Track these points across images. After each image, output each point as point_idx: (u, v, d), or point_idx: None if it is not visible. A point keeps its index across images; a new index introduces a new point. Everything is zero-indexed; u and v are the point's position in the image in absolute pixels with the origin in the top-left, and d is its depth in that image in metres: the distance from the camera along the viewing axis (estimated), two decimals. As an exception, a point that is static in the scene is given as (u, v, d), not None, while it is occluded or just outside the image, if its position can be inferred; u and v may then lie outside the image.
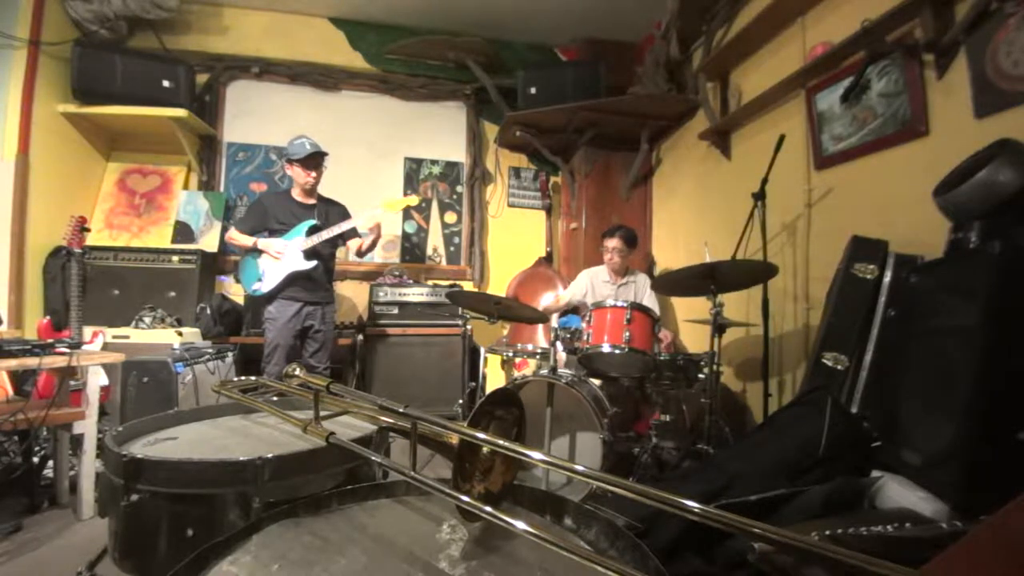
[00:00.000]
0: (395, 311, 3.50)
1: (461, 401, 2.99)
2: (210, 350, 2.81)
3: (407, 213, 4.13)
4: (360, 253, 2.99)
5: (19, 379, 2.24)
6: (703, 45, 3.39)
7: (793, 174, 2.59)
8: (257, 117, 3.95)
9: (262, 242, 2.74)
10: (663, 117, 3.68)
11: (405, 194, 4.16)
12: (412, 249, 4.16)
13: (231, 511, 1.03)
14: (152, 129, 3.54)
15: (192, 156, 3.75)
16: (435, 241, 4.21)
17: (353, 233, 2.94)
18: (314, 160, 2.80)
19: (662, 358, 2.41)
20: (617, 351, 2.30)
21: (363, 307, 3.81)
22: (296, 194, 2.89)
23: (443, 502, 1.03)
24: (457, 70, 4.22)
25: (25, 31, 3.07)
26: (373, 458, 1.04)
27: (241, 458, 1.03)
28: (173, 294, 3.23)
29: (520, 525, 0.73)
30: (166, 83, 3.41)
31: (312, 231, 2.79)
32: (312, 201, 2.91)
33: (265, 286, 2.73)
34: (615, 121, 3.68)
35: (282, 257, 2.72)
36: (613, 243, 2.99)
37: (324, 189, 2.97)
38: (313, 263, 2.76)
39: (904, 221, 2.02)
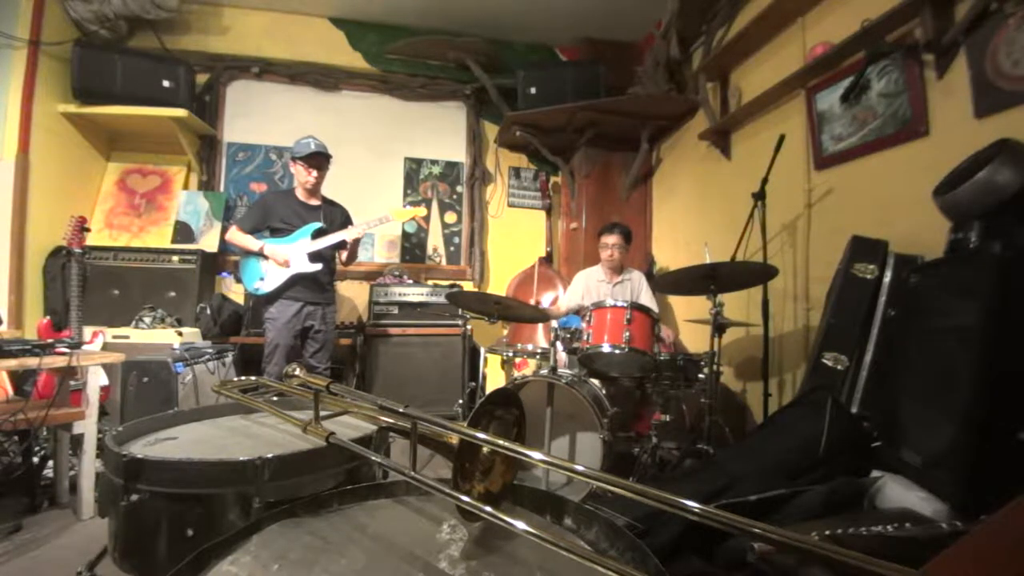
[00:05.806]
0: (395, 311, 3.50)
1: (461, 401, 2.99)
2: (210, 350, 2.81)
3: (407, 213, 4.14)
4: (344, 263, 3.02)
5: (19, 379, 2.24)
6: (703, 45, 3.39)
7: (793, 174, 2.59)
8: (257, 117, 3.95)
9: (268, 249, 2.72)
10: (663, 117, 3.68)
11: (405, 194, 4.17)
12: (412, 249, 4.16)
13: (231, 511, 1.03)
14: (152, 129, 3.55)
15: (192, 156, 3.75)
16: (435, 241, 4.21)
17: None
18: (316, 160, 2.79)
19: (662, 358, 2.41)
20: (617, 351, 2.30)
21: (363, 307, 3.81)
22: (300, 194, 2.88)
23: (443, 502, 1.03)
24: (457, 70, 4.21)
25: (25, 31, 3.07)
26: (373, 458, 1.04)
27: (241, 458, 1.03)
28: (173, 294, 3.23)
29: (520, 525, 0.73)
30: (166, 83, 3.41)
31: (318, 234, 2.79)
32: (317, 202, 2.90)
33: (267, 286, 2.73)
34: (615, 121, 3.68)
35: (289, 264, 2.72)
36: (612, 239, 2.99)
37: (324, 188, 2.96)
38: (318, 265, 2.76)
39: (904, 221, 2.02)
